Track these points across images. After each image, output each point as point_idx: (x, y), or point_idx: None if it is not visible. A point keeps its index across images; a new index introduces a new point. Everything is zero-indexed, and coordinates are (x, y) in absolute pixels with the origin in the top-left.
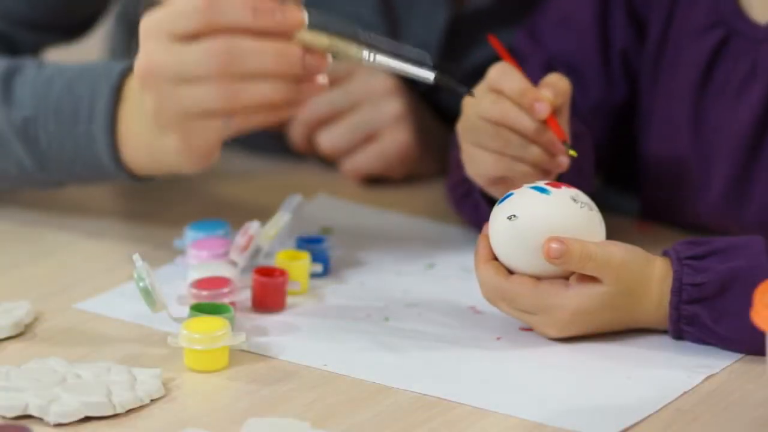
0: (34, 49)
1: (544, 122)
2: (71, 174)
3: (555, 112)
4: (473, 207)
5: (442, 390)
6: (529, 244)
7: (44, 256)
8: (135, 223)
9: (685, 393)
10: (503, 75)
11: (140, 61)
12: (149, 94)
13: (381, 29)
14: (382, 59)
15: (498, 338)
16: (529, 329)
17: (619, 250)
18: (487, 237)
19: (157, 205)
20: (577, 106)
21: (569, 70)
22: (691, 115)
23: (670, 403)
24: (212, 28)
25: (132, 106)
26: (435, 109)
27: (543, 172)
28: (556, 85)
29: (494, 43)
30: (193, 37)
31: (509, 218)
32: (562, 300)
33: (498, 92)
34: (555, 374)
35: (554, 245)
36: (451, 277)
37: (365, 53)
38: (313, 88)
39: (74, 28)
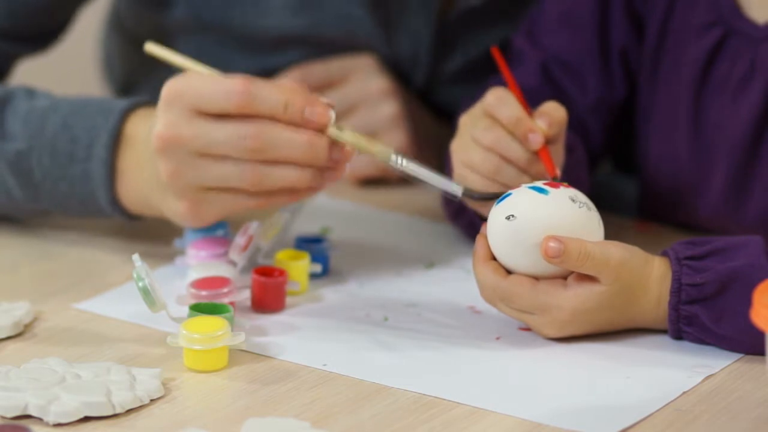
0: (9, 60)
1: (537, 153)
2: (63, 207)
3: (548, 142)
4: (468, 223)
5: (441, 390)
6: (527, 243)
7: (44, 256)
8: (136, 223)
9: (684, 393)
10: (500, 101)
11: (161, 130)
12: (166, 162)
13: (374, 25)
14: (409, 164)
15: (497, 338)
16: (529, 329)
17: (618, 249)
18: (485, 237)
19: None
20: (576, 105)
21: (568, 69)
22: (690, 113)
23: (669, 403)
24: (244, 112)
25: (133, 154)
26: (431, 108)
27: None
28: (552, 115)
29: (497, 57)
30: (220, 116)
31: (507, 218)
32: (560, 300)
33: (493, 118)
34: (554, 374)
35: (552, 244)
36: (450, 277)
37: (393, 156)
38: (336, 176)
39: (45, 38)
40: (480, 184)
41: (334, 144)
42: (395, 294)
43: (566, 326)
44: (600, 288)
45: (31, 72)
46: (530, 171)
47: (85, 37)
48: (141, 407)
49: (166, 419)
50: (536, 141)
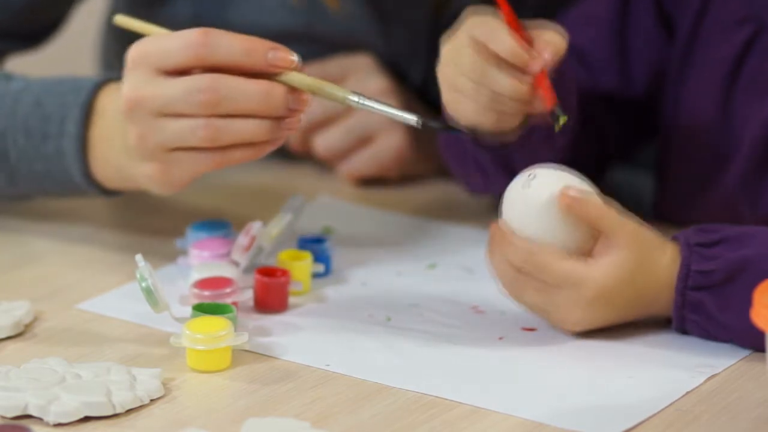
0: None
1: (534, 82)
2: (41, 188)
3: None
4: (474, 164)
5: (442, 390)
6: (547, 211)
7: (45, 257)
8: (137, 223)
9: (686, 393)
10: (490, 31)
11: (126, 92)
12: (133, 125)
13: (371, 21)
14: (369, 102)
15: (500, 338)
16: (532, 329)
17: (633, 221)
18: (497, 225)
19: (159, 205)
20: (587, 97)
21: (582, 61)
22: (719, 110)
23: (672, 403)
24: (203, 64)
25: (103, 125)
26: (429, 106)
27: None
28: (555, 45)
29: None
30: (182, 71)
31: (528, 177)
32: (589, 270)
33: (483, 48)
34: (556, 374)
35: (572, 192)
36: (452, 277)
37: (351, 96)
38: (293, 126)
39: (35, 36)
40: (471, 110)
41: (290, 92)
42: (398, 294)
43: (590, 306)
44: (622, 254)
45: (31, 72)
46: (526, 108)
47: (85, 37)
48: (141, 407)
49: (166, 419)
50: (537, 66)
